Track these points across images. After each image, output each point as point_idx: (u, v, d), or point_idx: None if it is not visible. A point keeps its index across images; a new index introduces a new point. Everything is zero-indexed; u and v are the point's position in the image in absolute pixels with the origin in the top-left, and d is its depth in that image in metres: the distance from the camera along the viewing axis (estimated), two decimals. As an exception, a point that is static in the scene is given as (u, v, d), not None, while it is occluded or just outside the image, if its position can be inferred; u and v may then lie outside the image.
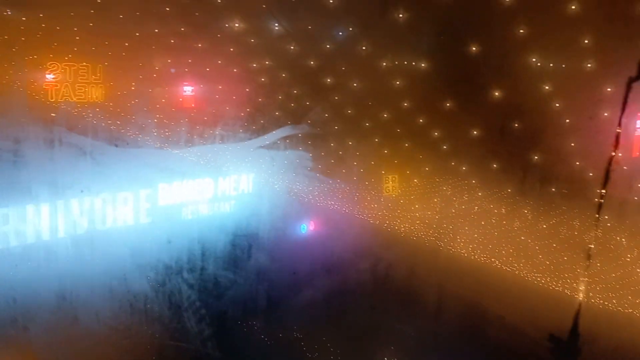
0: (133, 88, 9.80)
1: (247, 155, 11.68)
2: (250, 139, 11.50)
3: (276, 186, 12.21)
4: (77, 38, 8.86)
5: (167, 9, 9.16)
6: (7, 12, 8.39)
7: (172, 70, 10.32)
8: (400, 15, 10.47)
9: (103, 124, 10.02)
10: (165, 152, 10.64)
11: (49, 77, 9.39)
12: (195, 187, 10.53)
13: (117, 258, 9.03)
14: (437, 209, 14.27)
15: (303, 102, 11.45)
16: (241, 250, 11.02)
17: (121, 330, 8.74)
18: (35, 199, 8.35)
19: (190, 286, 10.00)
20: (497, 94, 12.11)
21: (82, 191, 8.77)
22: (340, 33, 10.82)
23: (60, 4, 8.57)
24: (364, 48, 10.96)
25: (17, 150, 8.24)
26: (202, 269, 10.21)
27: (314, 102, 11.38)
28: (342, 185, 13.23)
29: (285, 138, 11.48)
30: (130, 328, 8.89)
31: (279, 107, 11.21)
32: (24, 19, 8.47)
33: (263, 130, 11.51)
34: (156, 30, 9.23)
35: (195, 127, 10.75)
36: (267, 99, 10.86)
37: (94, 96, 9.96)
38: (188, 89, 10.25)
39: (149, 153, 10.42)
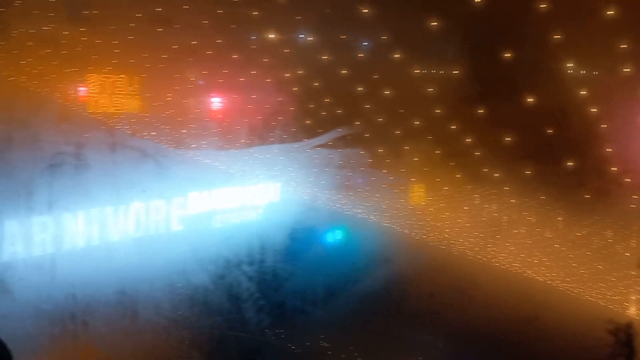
0: (169, 99, 10.18)
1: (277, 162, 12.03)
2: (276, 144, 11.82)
3: (299, 194, 12.48)
4: (117, 51, 9.25)
5: (205, 21, 9.51)
6: (49, 26, 8.81)
7: (201, 82, 10.69)
8: (434, 23, 10.68)
9: (138, 134, 10.40)
10: (196, 160, 11.03)
11: (88, 88, 9.82)
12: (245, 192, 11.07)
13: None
14: (468, 217, 14.32)
15: (334, 110, 11.73)
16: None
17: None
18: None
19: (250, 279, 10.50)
20: (531, 99, 12.19)
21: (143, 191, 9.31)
22: (372, 42, 11.07)
23: (101, 18, 8.98)
24: (396, 56, 11.19)
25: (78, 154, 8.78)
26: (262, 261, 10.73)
27: (345, 110, 11.66)
28: (370, 193, 13.42)
29: (317, 145, 11.77)
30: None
31: (310, 115, 11.53)
32: (65, 33, 8.88)
33: (293, 137, 11.83)
34: (194, 42, 9.59)
35: (228, 136, 11.10)
36: (299, 107, 11.18)
37: (131, 107, 10.38)
38: (221, 99, 10.60)
39: (179, 161, 10.79)
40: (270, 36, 10.24)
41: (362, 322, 11.43)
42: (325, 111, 11.59)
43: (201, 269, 9.60)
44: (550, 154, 12.93)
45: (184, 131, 10.66)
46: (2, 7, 8.40)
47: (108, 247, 9.27)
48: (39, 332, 7.87)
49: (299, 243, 12.24)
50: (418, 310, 12.25)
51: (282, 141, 11.55)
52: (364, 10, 10.00)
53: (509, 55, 11.72)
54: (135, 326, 8.71)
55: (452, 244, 14.45)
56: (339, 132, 11.93)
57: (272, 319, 10.83)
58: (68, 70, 9.34)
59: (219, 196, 11.13)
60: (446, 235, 14.56)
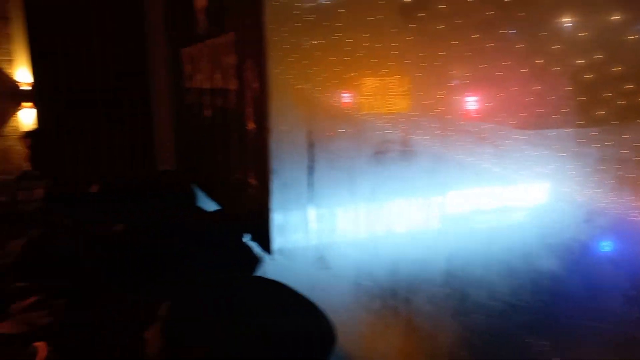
0: (440, 96, 10.47)
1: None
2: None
3: (578, 195, 11.59)
4: (395, 52, 9.85)
5: (490, 12, 9.46)
6: (335, 36, 9.83)
7: (455, 82, 10.67)
8: None
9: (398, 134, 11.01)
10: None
11: (364, 91, 10.77)
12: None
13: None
14: None
15: (637, 98, 10.47)
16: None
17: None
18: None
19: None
20: None
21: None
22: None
23: (382, 22, 9.68)
24: None
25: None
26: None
27: (652, 97, 10.31)
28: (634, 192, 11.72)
29: (608, 139, 10.72)
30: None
31: (604, 105, 10.52)
32: (349, 40, 9.81)
33: (578, 131, 10.99)
34: (475, 36, 9.63)
35: (500, 132, 10.91)
36: (591, 97, 10.30)
37: (401, 106, 11.04)
38: (498, 93, 10.45)
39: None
40: (563, 20, 9.64)
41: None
42: (625, 99, 10.42)
43: (549, 254, 9.50)
44: None
45: (451, 129, 10.88)
46: (297, 23, 9.64)
47: (433, 231, 10.01)
48: (358, 306, 8.94)
49: (573, 252, 11.50)
50: None
51: (565, 135, 10.85)
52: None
53: None
54: (465, 308, 9.04)
55: None
56: (639, 123, 10.63)
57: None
58: (348, 75, 10.29)
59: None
60: None
